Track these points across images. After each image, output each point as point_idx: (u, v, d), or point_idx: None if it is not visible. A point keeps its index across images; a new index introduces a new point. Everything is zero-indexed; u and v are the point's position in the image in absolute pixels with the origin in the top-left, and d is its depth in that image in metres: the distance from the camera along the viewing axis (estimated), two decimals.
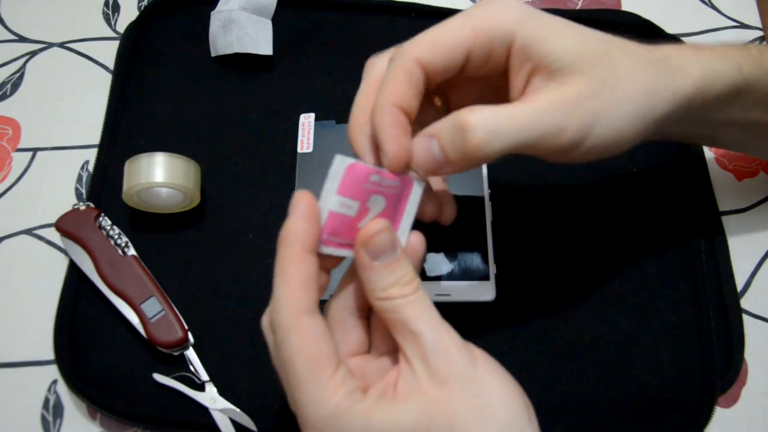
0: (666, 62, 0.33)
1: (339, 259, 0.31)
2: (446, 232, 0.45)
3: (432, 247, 0.45)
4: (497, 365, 0.29)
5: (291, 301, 0.27)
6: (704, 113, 0.35)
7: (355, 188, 0.29)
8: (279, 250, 0.28)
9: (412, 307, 0.28)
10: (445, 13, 0.55)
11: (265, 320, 0.30)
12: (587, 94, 0.31)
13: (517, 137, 0.29)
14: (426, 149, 0.30)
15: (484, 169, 0.48)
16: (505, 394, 0.28)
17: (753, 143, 0.41)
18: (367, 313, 0.32)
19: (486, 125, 0.29)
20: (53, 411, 0.43)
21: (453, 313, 0.44)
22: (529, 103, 0.30)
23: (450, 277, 0.44)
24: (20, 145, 0.52)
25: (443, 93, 0.36)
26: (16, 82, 0.54)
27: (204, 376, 0.42)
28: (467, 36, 0.31)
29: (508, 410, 0.28)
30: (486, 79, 0.33)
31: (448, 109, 0.37)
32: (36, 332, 0.45)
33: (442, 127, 0.30)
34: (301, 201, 0.29)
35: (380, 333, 0.32)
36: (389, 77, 0.31)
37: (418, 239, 0.32)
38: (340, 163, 0.29)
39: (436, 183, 0.37)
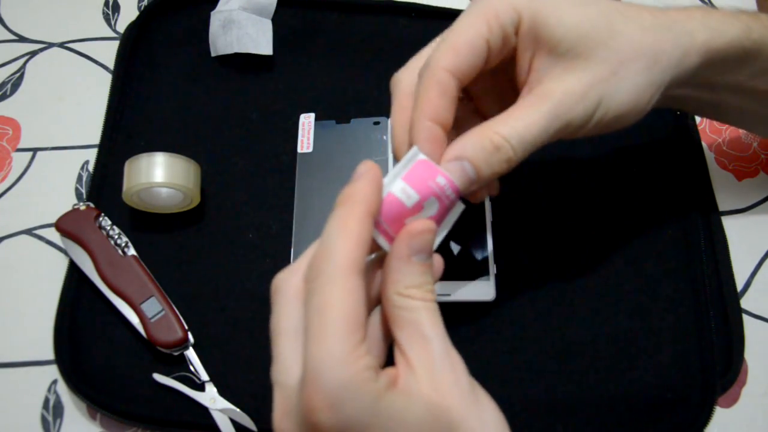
0: (671, 27, 0.33)
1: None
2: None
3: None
4: (491, 399, 0.29)
5: (347, 255, 0.26)
6: (710, 76, 0.35)
7: (420, 182, 0.29)
8: (341, 207, 0.27)
9: (429, 313, 0.28)
10: (444, 13, 0.55)
11: (280, 279, 0.29)
12: (590, 83, 0.32)
13: (536, 144, 0.31)
14: (460, 171, 0.31)
15: None
16: (499, 421, 0.28)
17: (755, 114, 0.40)
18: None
19: (514, 142, 0.31)
20: (53, 411, 0.43)
21: (453, 313, 0.44)
22: (539, 105, 0.32)
23: (450, 276, 0.44)
24: (20, 145, 0.52)
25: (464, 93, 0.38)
26: (16, 82, 0.54)
27: (204, 376, 0.42)
28: (483, 29, 0.31)
29: None
30: (501, 64, 0.34)
31: (468, 98, 0.38)
32: (36, 332, 0.45)
33: (473, 147, 0.31)
34: (371, 169, 0.28)
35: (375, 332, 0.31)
36: (422, 93, 0.31)
37: (440, 262, 0.31)
38: (415, 154, 0.30)
39: None
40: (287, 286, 0.28)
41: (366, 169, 0.28)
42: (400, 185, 0.29)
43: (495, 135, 0.31)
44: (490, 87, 0.37)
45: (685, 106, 0.41)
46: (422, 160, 0.30)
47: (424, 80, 0.31)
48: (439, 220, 0.31)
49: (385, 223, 0.29)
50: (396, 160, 0.33)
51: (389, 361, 0.29)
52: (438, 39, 0.33)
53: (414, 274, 0.28)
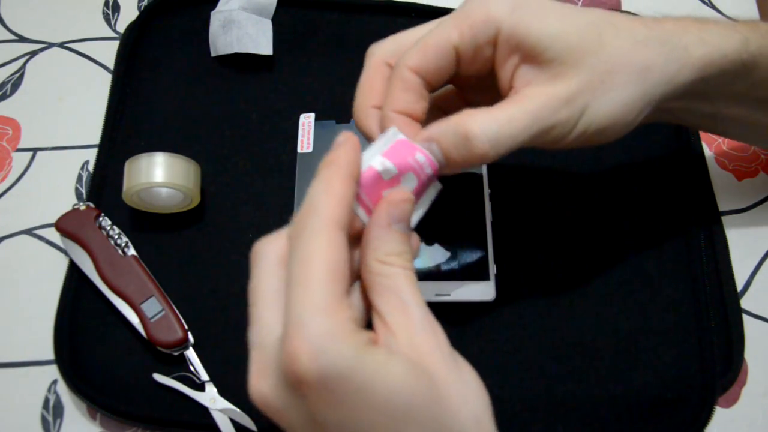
0: (666, 41, 0.33)
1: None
2: (447, 232, 0.45)
3: (432, 245, 0.45)
4: (473, 369, 0.29)
5: (331, 211, 0.27)
6: (707, 89, 0.35)
7: (399, 158, 0.30)
8: (324, 170, 0.28)
9: (409, 280, 0.28)
10: (445, 13, 0.55)
11: (261, 244, 0.29)
12: (577, 89, 0.31)
13: (515, 141, 0.31)
14: (428, 153, 0.31)
15: (484, 169, 0.47)
16: (480, 389, 0.28)
17: (755, 125, 0.40)
18: None
19: (488, 133, 0.30)
20: (53, 411, 0.43)
21: (453, 313, 0.44)
22: (523, 103, 0.31)
23: (450, 276, 0.44)
24: (20, 145, 0.52)
25: (460, 89, 0.38)
26: (16, 82, 0.54)
27: (204, 376, 0.42)
28: (452, 35, 0.32)
29: (480, 403, 0.27)
30: (488, 75, 0.34)
31: (467, 104, 0.38)
32: (36, 332, 0.45)
33: (444, 131, 0.31)
34: (350, 138, 0.29)
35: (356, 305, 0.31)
36: (389, 88, 0.33)
37: (416, 240, 0.32)
38: (395, 134, 0.31)
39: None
40: (268, 250, 0.29)
41: (345, 137, 0.29)
42: (379, 159, 0.30)
43: (470, 123, 0.30)
44: (482, 90, 0.37)
45: (682, 119, 0.40)
46: (401, 140, 0.31)
47: (392, 76, 0.33)
48: (417, 195, 0.31)
49: (364, 194, 0.29)
50: (357, 125, 0.34)
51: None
52: (423, 25, 0.34)
53: (393, 241, 0.28)
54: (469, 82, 0.37)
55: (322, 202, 0.27)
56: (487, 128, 0.30)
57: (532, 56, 0.31)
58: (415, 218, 0.32)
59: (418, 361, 0.26)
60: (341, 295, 0.26)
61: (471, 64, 0.33)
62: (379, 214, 0.29)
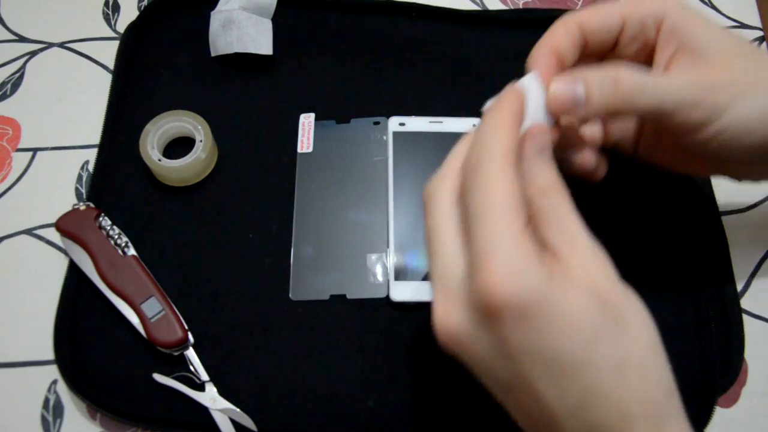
0: None
1: None
2: None
3: None
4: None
5: (504, 148, 0.28)
6: None
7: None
8: (493, 113, 0.30)
9: (569, 208, 0.29)
10: (445, 13, 0.55)
11: (432, 184, 0.31)
12: (728, 80, 0.33)
13: (658, 99, 0.32)
14: (569, 88, 0.32)
15: None
16: (648, 315, 0.29)
17: None
18: None
19: (636, 80, 0.32)
20: (53, 411, 0.43)
21: None
22: (673, 76, 0.34)
23: None
24: (20, 145, 0.52)
25: None
26: (16, 82, 0.54)
27: (204, 376, 0.42)
28: (624, 8, 0.35)
29: (653, 328, 0.29)
30: (634, 58, 0.36)
31: None
32: (36, 332, 0.45)
33: (592, 74, 0.32)
34: (513, 89, 0.31)
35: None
36: (550, 29, 0.35)
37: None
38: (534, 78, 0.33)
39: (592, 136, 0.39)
40: (441, 188, 0.30)
41: (510, 89, 0.31)
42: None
43: (620, 70, 0.32)
44: None
45: None
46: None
47: (557, 23, 0.35)
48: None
49: None
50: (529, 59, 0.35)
51: None
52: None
53: (546, 170, 0.30)
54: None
55: (495, 140, 0.28)
56: (637, 79, 0.32)
57: (690, 48, 0.34)
58: None
59: (594, 286, 0.27)
60: (524, 227, 0.27)
61: (630, 42, 0.35)
62: (526, 146, 0.30)
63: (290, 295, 0.45)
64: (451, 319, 0.27)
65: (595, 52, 0.36)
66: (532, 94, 0.32)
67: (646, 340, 0.28)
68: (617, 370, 0.26)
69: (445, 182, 0.30)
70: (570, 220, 0.29)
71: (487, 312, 0.26)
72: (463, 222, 0.29)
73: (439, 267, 0.29)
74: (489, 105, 0.32)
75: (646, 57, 0.36)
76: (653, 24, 0.35)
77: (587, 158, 0.37)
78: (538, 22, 0.54)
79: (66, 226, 0.45)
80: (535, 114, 0.32)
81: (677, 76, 0.34)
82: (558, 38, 0.34)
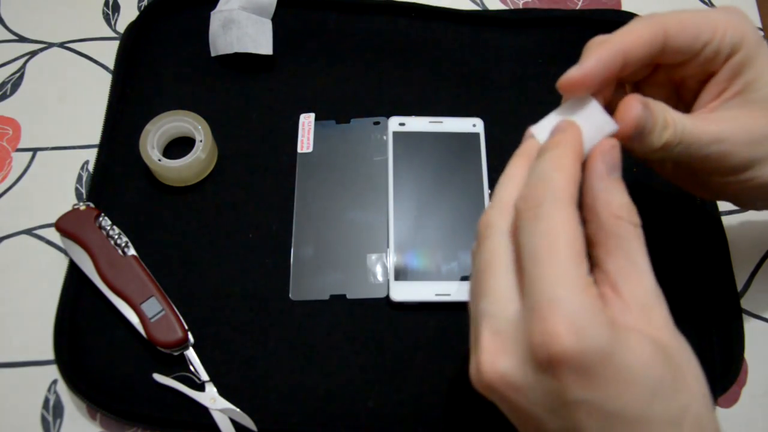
0: None
1: None
2: (446, 231, 0.45)
3: (432, 246, 0.45)
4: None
5: (565, 187, 0.27)
6: None
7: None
8: (554, 149, 0.28)
9: (640, 241, 0.28)
10: (445, 13, 0.55)
11: (491, 215, 0.29)
12: None
13: (703, 145, 0.31)
14: (639, 110, 0.30)
15: (484, 168, 0.48)
16: (697, 362, 0.28)
17: None
18: None
19: (693, 125, 0.31)
20: (53, 411, 0.43)
21: (453, 312, 0.44)
22: (723, 122, 0.32)
23: (450, 277, 0.44)
24: (20, 145, 0.52)
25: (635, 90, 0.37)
26: (16, 82, 0.54)
27: (204, 376, 0.42)
28: (710, 25, 0.31)
29: (703, 377, 0.28)
30: (681, 81, 0.34)
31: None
32: (36, 332, 0.45)
33: (656, 104, 0.31)
34: (573, 125, 0.30)
35: None
36: (629, 28, 0.31)
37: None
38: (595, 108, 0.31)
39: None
40: (500, 221, 0.29)
41: (568, 124, 0.30)
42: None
43: (670, 110, 0.31)
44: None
45: None
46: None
47: (641, 20, 0.32)
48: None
49: None
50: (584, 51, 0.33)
51: None
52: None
53: (619, 191, 0.29)
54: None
55: (556, 179, 0.27)
56: (680, 119, 0.31)
57: (750, 90, 0.32)
58: None
59: (655, 336, 0.26)
60: (587, 272, 0.26)
61: (701, 63, 0.32)
62: (596, 165, 0.29)
63: (290, 295, 0.45)
64: (500, 362, 0.26)
65: (669, 62, 0.33)
66: (590, 117, 0.30)
67: (700, 394, 0.27)
68: (673, 427, 0.25)
69: (503, 215, 0.29)
70: (640, 255, 0.27)
71: (546, 363, 0.25)
72: (517, 262, 0.27)
73: (490, 306, 0.27)
74: (538, 130, 0.30)
75: (696, 80, 0.34)
76: (727, 51, 0.32)
77: None
78: (538, 22, 0.54)
79: (66, 226, 0.45)
80: (592, 138, 0.30)
81: (728, 122, 0.32)
82: (635, 42, 0.31)
